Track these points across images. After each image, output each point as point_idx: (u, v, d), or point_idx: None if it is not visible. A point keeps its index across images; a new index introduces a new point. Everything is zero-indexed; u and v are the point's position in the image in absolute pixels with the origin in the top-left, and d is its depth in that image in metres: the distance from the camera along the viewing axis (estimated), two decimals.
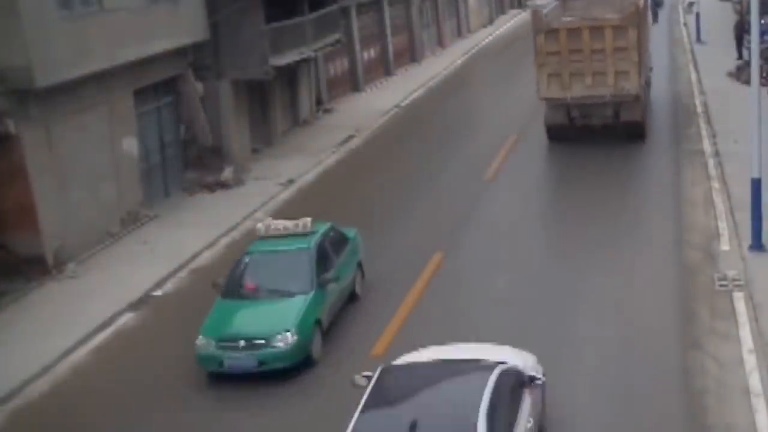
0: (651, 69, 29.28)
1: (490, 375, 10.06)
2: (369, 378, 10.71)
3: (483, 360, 10.84)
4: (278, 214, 22.37)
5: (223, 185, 24.38)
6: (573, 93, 24.01)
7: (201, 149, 24.96)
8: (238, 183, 24.64)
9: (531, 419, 10.34)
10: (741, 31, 32.89)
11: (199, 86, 25.06)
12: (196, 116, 24.88)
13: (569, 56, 23.70)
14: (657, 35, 42.91)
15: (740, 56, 33.30)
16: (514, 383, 10.35)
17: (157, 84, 23.09)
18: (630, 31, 23.52)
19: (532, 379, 10.82)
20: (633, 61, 23.62)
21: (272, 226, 16.07)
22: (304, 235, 15.84)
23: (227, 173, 24.72)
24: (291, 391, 13.60)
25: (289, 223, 16.02)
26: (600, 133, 24.83)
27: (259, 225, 16.34)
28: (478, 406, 9.50)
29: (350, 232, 17.33)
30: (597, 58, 23.61)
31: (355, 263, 16.74)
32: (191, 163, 24.77)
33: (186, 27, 23.79)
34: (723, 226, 18.35)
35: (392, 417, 9.87)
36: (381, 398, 10.19)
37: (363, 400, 10.10)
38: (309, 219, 16.01)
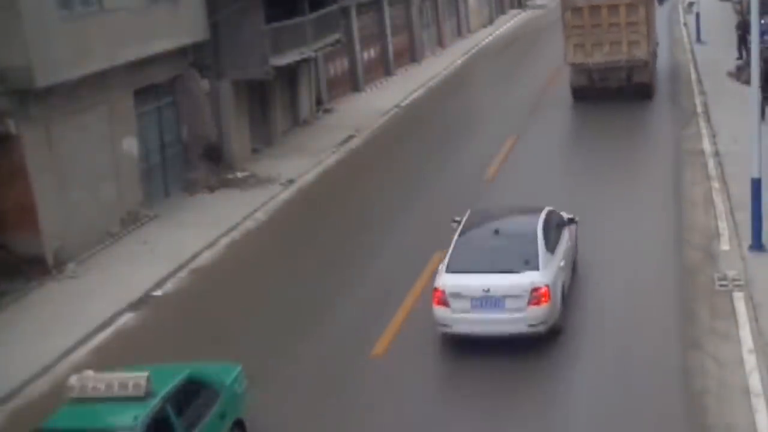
0: (657, 44, 33.36)
1: (542, 211, 15.40)
2: (459, 220, 15.78)
3: (537, 206, 16.09)
4: (278, 214, 22.44)
5: (229, 183, 24.32)
6: (594, 59, 29.53)
7: (207, 147, 24.84)
8: (242, 184, 24.61)
9: (569, 243, 15.63)
10: (744, 31, 32.90)
11: (205, 83, 25.05)
12: (201, 113, 24.84)
13: (591, 29, 29.26)
14: (658, 35, 42.93)
15: (740, 56, 33.30)
16: (557, 218, 15.76)
17: (157, 84, 23.08)
18: (640, 9, 29.13)
19: (571, 220, 16.30)
20: (643, 33, 29.11)
21: (90, 384, 10.57)
22: (136, 399, 10.35)
23: (240, 173, 24.68)
24: (291, 391, 13.59)
25: (116, 378, 10.57)
26: (615, 94, 29.79)
27: (72, 379, 10.77)
28: (536, 222, 14.87)
29: (225, 374, 11.93)
30: (613, 31, 29.09)
31: (226, 428, 11.41)
32: (194, 162, 24.68)
33: (186, 27, 23.79)
34: (723, 226, 18.36)
35: (481, 231, 15.17)
36: (471, 225, 15.44)
37: (459, 230, 15.26)
38: (146, 375, 10.48)
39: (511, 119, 30.11)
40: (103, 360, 15.35)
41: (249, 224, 21.71)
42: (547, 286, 13.74)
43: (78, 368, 15.01)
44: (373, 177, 25.31)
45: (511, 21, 60.38)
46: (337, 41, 32.16)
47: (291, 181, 24.77)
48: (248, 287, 18.12)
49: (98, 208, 20.47)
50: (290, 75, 30.25)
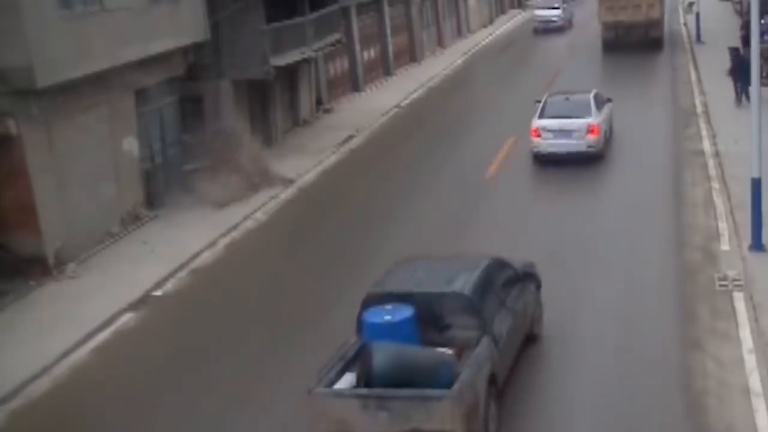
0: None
1: (592, 91, 24.16)
2: (540, 100, 25.16)
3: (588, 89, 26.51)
4: (278, 214, 22.44)
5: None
6: (619, 18, 40.05)
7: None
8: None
9: (608, 110, 25.60)
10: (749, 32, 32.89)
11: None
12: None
13: None
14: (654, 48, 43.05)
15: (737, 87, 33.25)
16: (602, 96, 24.85)
17: (158, 84, 23.07)
18: None
19: (609, 99, 25.42)
20: None
21: None
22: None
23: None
24: (292, 391, 13.61)
25: None
26: (636, 45, 39.99)
27: None
28: (590, 94, 24.68)
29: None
30: None
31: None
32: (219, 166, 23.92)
33: (187, 27, 23.79)
34: (723, 226, 18.37)
35: (557, 98, 25.27)
36: (551, 97, 25.42)
37: (544, 98, 25.30)
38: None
39: (511, 119, 30.08)
40: (103, 360, 15.39)
41: (249, 224, 21.71)
42: (597, 125, 23.74)
43: (78, 368, 15.08)
44: (373, 177, 25.30)
45: (511, 21, 60.37)
46: (338, 41, 32.17)
47: (291, 181, 24.76)
48: (248, 287, 18.12)
49: (99, 208, 20.48)
50: (290, 75, 30.26)
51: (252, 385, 13.91)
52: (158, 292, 17.97)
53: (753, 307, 14.58)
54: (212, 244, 20.36)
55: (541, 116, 24.28)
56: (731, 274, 15.97)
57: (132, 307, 17.27)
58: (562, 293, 15.79)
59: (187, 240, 20.43)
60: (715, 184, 21.02)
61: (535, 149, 24.02)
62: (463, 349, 11.75)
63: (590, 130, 23.45)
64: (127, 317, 16.93)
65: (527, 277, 13.94)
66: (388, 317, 11.62)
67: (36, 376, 14.70)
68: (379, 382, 10.74)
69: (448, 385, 10.67)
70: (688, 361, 13.28)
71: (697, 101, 29.77)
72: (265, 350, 15.02)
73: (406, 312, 11.66)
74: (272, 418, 12.93)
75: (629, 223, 19.27)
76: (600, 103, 24.90)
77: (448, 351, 11.69)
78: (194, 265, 19.34)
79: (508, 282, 13.18)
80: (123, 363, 15.28)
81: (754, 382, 12.49)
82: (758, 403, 11.97)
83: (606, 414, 12.25)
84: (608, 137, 24.81)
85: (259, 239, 20.99)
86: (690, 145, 24.94)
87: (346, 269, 18.31)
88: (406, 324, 11.55)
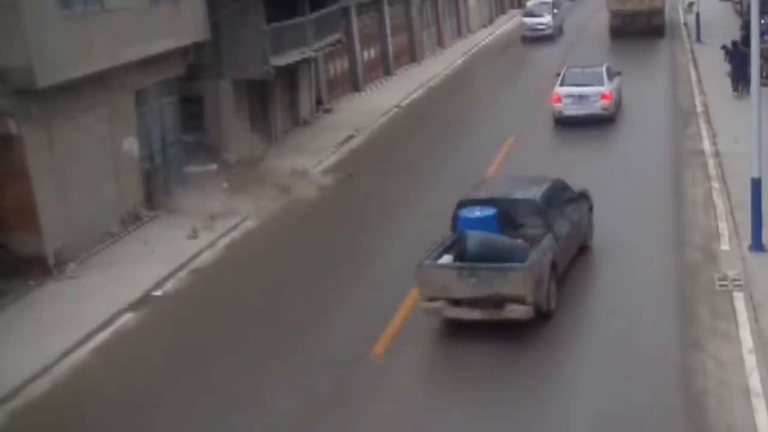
0: None
1: (604, 65, 27.02)
2: (559, 73, 29.63)
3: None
4: (279, 214, 22.41)
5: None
6: (626, 7, 43.96)
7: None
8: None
9: (618, 81, 29.86)
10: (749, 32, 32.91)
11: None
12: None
13: None
14: (657, 35, 43.05)
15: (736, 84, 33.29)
16: (614, 70, 29.69)
17: (158, 83, 23.06)
18: None
19: (618, 72, 29.46)
20: None
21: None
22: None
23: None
24: (292, 391, 13.61)
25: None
26: (640, 32, 43.80)
27: None
28: (603, 67, 29.28)
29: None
30: None
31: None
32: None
33: (187, 27, 23.77)
34: (723, 226, 18.38)
35: (575, 69, 29.84)
36: (570, 68, 30.15)
37: (563, 70, 29.79)
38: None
39: (511, 119, 30.12)
40: (103, 360, 15.39)
41: (249, 224, 21.70)
42: (609, 92, 28.09)
43: (78, 368, 15.08)
44: (373, 177, 25.29)
45: (511, 21, 60.33)
46: (338, 41, 32.17)
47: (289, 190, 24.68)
48: (248, 287, 18.11)
49: (99, 208, 20.47)
50: (290, 75, 30.26)
51: (252, 385, 13.91)
52: (158, 292, 17.96)
53: (753, 307, 14.58)
54: (212, 244, 20.35)
55: (561, 85, 28.69)
56: (731, 274, 15.98)
57: (132, 307, 17.26)
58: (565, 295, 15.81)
59: (188, 240, 20.42)
60: (715, 184, 21.03)
61: (557, 113, 28.34)
62: (532, 243, 15.16)
63: (603, 96, 27.90)
64: (127, 317, 16.93)
65: (582, 198, 17.68)
66: (477, 213, 15.59)
67: (36, 376, 14.70)
68: (470, 258, 14.43)
69: (522, 262, 14.18)
70: (688, 361, 13.29)
71: (697, 101, 29.80)
72: (265, 350, 15.01)
73: (490, 211, 15.59)
74: (272, 418, 12.94)
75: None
76: (611, 74, 29.22)
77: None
78: (194, 265, 19.34)
79: (567, 198, 16.95)
80: (123, 363, 15.28)
81: (754, 382, 12.49)
82: (758, 403, 11.98)
83: (606, 414, 12.25)
84: (618, 104, 29.13)
85: (259, 239, 20.98)
86: (690, 144, 24.95)
87: (346, 269, 18.31)
88: (491, 220, 15.48)
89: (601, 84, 28.18)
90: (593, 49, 42.42)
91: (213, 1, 25.13)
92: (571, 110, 28.04)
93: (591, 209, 17.89)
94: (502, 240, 14.96)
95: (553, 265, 14.99)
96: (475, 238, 14.68)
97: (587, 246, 17.51)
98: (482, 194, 16.48)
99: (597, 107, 27.80)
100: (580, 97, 27.94)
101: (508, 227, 15.65)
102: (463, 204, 16.08)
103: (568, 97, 28.12)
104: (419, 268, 14.63)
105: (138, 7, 21.54)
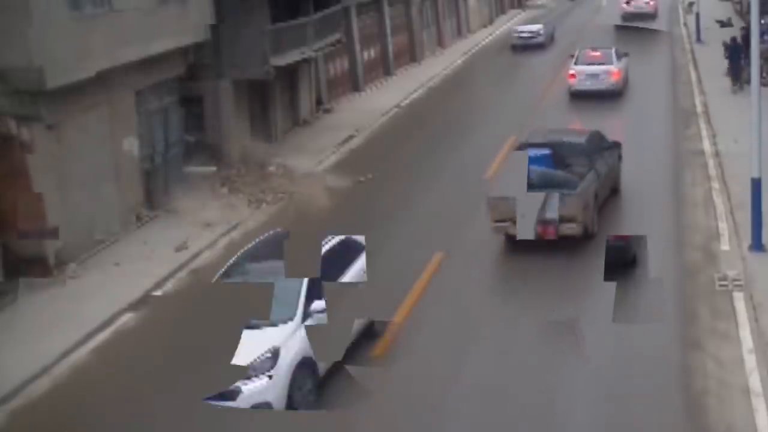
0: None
1: (613, 48, 33.73)
2: (573, 54, 34.44)
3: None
4: (279, 214, 22.41)
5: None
6: (630, 9, 53.22)
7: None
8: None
9: (626, 63, 33.96)
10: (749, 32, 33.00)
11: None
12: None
13: None
14: (657, 35, 43.04)
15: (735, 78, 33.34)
16: (623, 53, 34.76)
17: (158, 83, 23.06)
18: None
19: (626, 54, 34.18)
20: None
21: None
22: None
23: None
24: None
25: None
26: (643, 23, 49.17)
27: None
28: (612, 48, 34.09)
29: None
30: None
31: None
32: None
33: (189, 27, 23.76)
34: (723, 226, 18.39)
35: (587, 51, 33.74)
36: (583, 49, 34.22)
37: (577, 52, 34.19)
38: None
39: (511, 119, 30.12)
40: (103, 360, 15.38)
41: (249, 224, 21.69)
42: (618, 70, 32.11)
43: (78, 368, 15.07)
44: (373, 177, 25.26)
45: (510, 21, 60.33)
46: (338, 41, 32.16)
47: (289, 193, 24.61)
48: (248, 287, 18.06)
49: (99, 208, 20.46)
50: (290, 75, 30.26)
51: None
52: (158, 292, 17.96)
53: (753, 307, 14.59)
54: (212, 244, 20.35)
55: (576, 64, 33.03)
56: (731, 274, 15.98)
57: (132, 307, 17.26)
58: (565, 296, 15.80)
59: (188, 240, 20.41)
60: (715, 184, 21.04)
61: (572, 88, 32.56)
62: (579, 178, 18.50)
63: (613, 74, 32.05)
64: (127, 317, 16.93)
65: (615, 146, 21.43)
66: (536, 152, 18.86)
67: (36, 376, 14.70)
68: (533, 187, 17.90)
69: (574, 190, 17.90)
70: (688, 361, 13.29)
71: (697, 101, 29.82)
72: None
73: (546, 151, 19.02)
74: (272, 417, 12.93)
75: None
76: (620, 55, 33.47)
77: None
78: (194, 265, 19.33)
79: (605, 145, 20.75)
80: (123, 363, 15.27)
81: (754, 382, 12.50)
82: (758, 403, 11.99)
83: (606, 413, 12.25)
84: (626, 81, 33.18)
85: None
86: (690, 144, 24.96)
87: None
88: (547, 158, 18.92)
89: (611, 63, 32.36)
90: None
91: (219, 1, 25.11)
92: (585, 86, 32.20)
93: (620, 158, 21.44)
94: (557, 173, 18.46)
95: (596, 195, 18.65)
96: (534, 170, 18.21)
97: (617, 188, 21.00)
98: (539, 138, 20.11)
99: (607, 83, 31.90)
100: (593, 75, 32.06)
101: (559, 165, 18.90)
102: (521, 146, 19.84)
103: (582, 74, 32.33)
104: (490, 198, 18.43)
105: (146, 7, 21.53)
